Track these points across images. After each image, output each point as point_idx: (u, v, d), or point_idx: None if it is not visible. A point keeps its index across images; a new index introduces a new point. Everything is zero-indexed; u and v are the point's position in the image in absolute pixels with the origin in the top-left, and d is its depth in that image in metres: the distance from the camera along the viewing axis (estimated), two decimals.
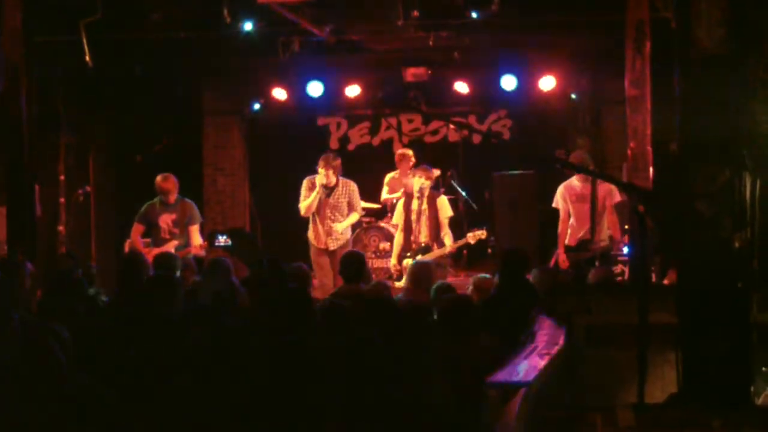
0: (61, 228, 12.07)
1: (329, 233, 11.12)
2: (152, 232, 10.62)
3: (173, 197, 10.65)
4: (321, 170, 10.96)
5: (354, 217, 11.33)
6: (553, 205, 10.81)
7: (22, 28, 9.99)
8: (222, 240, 6.12)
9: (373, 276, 10.54)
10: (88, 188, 12.59)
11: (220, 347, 5.34)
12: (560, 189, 10.68)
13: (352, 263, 8.21)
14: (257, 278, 6.45)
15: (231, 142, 14.93)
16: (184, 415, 4.90)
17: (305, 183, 11.20)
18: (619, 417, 2.72)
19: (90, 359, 5.20)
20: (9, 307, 5.61)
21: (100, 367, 5.17)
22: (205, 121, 14.82)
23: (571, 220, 10.52)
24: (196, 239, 10.53)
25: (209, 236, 6.41)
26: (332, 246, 11.09)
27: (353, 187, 11.28)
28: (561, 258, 10.46)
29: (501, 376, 2.90)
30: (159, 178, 10.68)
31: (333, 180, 11.03)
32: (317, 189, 10.98)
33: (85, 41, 10.77)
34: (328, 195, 11.10)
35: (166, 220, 10.58)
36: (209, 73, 13.94)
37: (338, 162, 11.10)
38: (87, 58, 10.85)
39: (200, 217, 10.87)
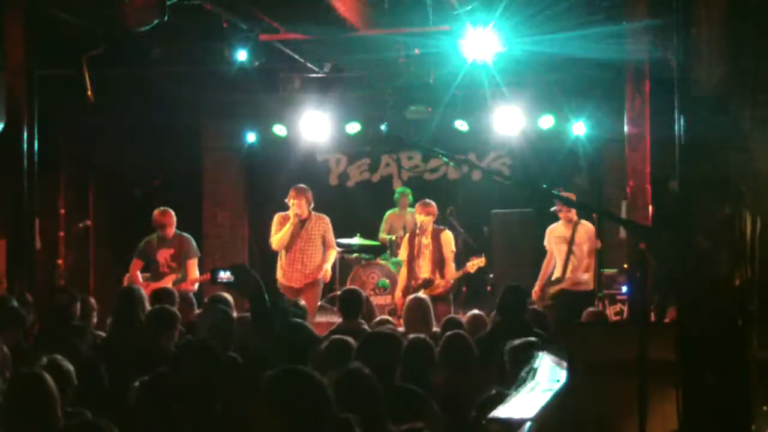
0: (60, 261, 12.07)
1: (300, 269, 10.71)
2: (151, 267, 10.63)
3: (170, 231, 10.64)
4: (293, 201, 10.64)
5: (332, 255, 10.97)
6: (545, 244, 11.18)
7: (25, 62, 10.05)
8: (224, 276, 6.12)
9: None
10: (88, 222, 12.61)
11: (216, 381, 5.32)
12: (548, 230, 11.18)
13: (351, 299, 8.18)
14: (258, 313, 6.44)
15: (230, 177, 14.98)
16: None
17: (276, 218, 10.90)
18: None
19: (87, 393, 5.19)
20: None
21: (97, 401, 5.16)
22: (204, 155, 14.87)
23: (555, 260, 11.01)
24: (194, 273, 10.54)
25: (211, 272, 6.39)
26: (298, 284, 10.67)
27: (327, 221, 10.90)
28: (535, 291, 10.82)
29: (503, 412, 2.90)
30: (156, 212, 10.69)
31: (305, 212, 10.69)
32: (291, 221, 10.62)
33: (87, 76, 10.80)
34: (301, 227, 10.73)
35: (164, 255, 10.58)
36: (209, 108, 13.99)
37: (310, 194, 10.78)
38: (89, 93, 10.89)
39: (197, 251, 10.83)
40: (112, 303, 7.22)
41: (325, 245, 10.84)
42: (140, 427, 5.04)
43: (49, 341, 6.62)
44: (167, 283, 10.18)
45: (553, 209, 11.13)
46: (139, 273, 10.65)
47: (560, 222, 11.03)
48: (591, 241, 10.90)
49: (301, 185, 10.89)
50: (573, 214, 10.86)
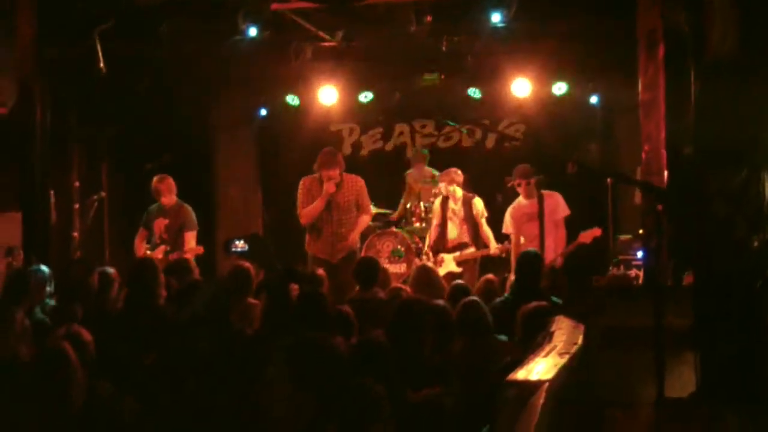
0: (75, 234, 12.10)
1: (334, 242, 9.98)
2: (149, 236, 10.58)
3: (168, 200, 10.49)
4: (327, 174, 9.82)
5: (363, 222, 10.22)
6: (503, 230, 10.85)
7: (35, 39, 10.06)
8: (239, 245, 6.07)
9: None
10: (102, 194, 12.61)
11: (230, 351, 5.34)
12: (509, 211, 10.73)
13: (367, 269, 8.18)
14: (272, 282, 6.46)
15: (243, 148, 14.95)
16: (196, 420, 4.91)
17: (302, 185, 10.12)
18: (640, 412, 2.73)
19: (106, 365, 5.21)
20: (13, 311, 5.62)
21: (115, 373, 5.18)
22: (216, 129, 14.85)
23: (522, 240, 10.50)
24: (191, 245, 10.37)
25: (226, 242, 6.34)
26: (335, 259, 9.90)
27: (361, 183, 10.12)
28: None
29: (521, 374, 2.91)
30: (155, 179, 10.60)
31: (338, 178, 9.90)
32: (322, 196, 9.82)
33: (99, 48, 10.79)
34: (336, 194, 9.95)
35: (159, 225, 10.49)
36: (221, 81, 13.96)
37: (341, 157, 10.07)
38: (101, 64, 10.87)
39: (196, 224, 10.58)
40: (126, 275, 7.23)
41: (359, 209, 10.09)
42: (156, 398, 5.06)
43: (67, 313, 6.65)
44: (158, 254, 10.12)
45: (511, 184, 10.81)
46: (143, 242, 10.62)
47: (520, 198, 10.60)
48: (559, 210, 10.46)
49: (329, 150, 10.13)
50: (533, 186, 10.40)
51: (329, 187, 9.82)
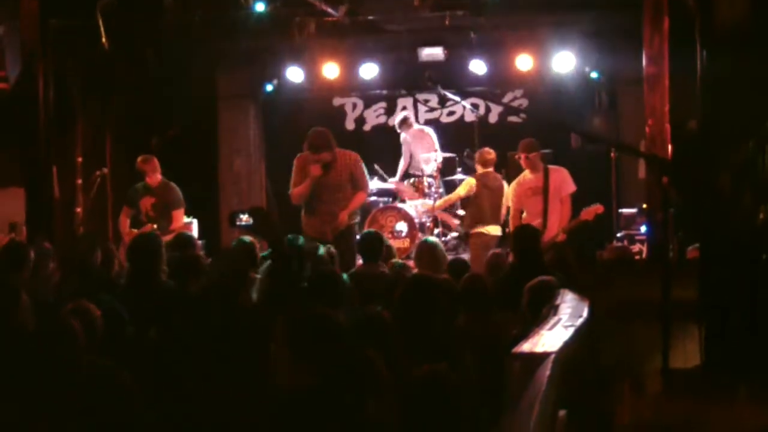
0: (78, 210, 12.10)
1: (327, 221, 9.57)
2: (135, 215, 10.58)
3: (154, 179, 10.49)
4: (314, 157, 9.45)
5: (359, 199, 9.82)
6: (504, 203, 10.77)
7: (39, 12, 10.03)
8: (244, 219, 6.06)
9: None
10: (105, 170, 12.61)
11: (235, 326, 5.34)
12: (512, 185, 10.55)
13: (370, 242, 8.16)
14: (276, 255, 6.45)
15: (246, 124, 14.93)
16: (203, 396, 4.91)
17: (296, 164, 9.75)
18: (647, 383, 2.73)
19: (110, 341, 5.21)
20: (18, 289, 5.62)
21: (119, 349, 5.18)
22: (220, 103, 14.83)
23: (524, 215, 10.34)
24: (178, 223, 10.41)
25: (230, 216, 6.32)
26: (328, 236, 9.35)
27: (355, 157, 9.73)
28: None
29: (526, 347, 2.91)
30: (139, 159, 10.60)
31: (327, 158, 9.49)
32: (309, 180, 9.47)
33: (101, 23, 10.77)
34: (326, 173, 9.54)
35: (146, 204, 10.49)
36: (224, 55, 13.93)
37: (329, 137, 9.63)
38: (103, 40, 10.85)
39: (183, 201, 10.57)
40: (128, 250, 7.22)
41: (354, 187, 9.69)
42: (161, 374, 5.07)
43: (71, 288, 6.65)
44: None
45: (517, 157, 10.72)
46: (128, 220, 10.62)
47: (526, 172, 10.37)
48: (566, 186, 10.24)
49: (317, 132, 9.68)
50: (538, 159, 10.29)
51: (314, 170, 9.48)
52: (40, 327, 4.89)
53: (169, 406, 4.85)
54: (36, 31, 10.00)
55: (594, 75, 13.73)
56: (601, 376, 2.61)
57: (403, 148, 13.80)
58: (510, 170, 11.86)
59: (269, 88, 14.71)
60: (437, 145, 13.38)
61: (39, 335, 4.70)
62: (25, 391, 4.37)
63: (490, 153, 11.28)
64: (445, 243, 11.93)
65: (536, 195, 10.21)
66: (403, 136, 13.76)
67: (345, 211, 9.58)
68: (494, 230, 10.92)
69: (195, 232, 10.91)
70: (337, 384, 4.04)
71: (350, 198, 9.65)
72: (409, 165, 13.79)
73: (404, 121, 13.68)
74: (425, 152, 13.19)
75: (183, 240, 8.36)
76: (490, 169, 11.16)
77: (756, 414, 2.63)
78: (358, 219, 10.06)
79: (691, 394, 2.76)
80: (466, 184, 11.24)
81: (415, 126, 13.73)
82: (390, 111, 15.12)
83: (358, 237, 9.35)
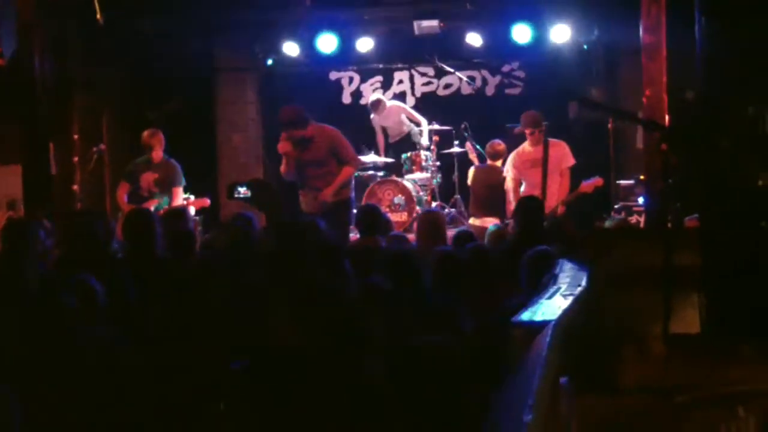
0: (75, 187, 12.08)
1: (314, 197, 9.57)
2: (133, 190, 10.60)
3: (158, 155, 10.55)
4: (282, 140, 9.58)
5: (346, 173, 9.68)
6: (504, 174, 10.76)
7: None
8: (242, 191, 6.04)
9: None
10: (102, 147, 12.59)
11: (236, 298, 5.36)
12: (512, 156, 10.62)
13: (368, 216, 8.17)
14: (275, 227, 6.46)
15: (244, 98, 14.90)
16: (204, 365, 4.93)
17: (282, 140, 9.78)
18: (651, 347, 2.73)
19: (114, 314, 5.23)
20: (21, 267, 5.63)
21: (124, 322, 5.20)
22: (216, 77, 14.79)
23: (523, 186, 10.44)
24: (177, 200, 10.45)
25: (229, 188, 6.29)
26: (317, 211, 9.30)
27: (332, 133, 9.66)
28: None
29: (525, 315, 2.92)
30: (146, 133, 10.63)
31: (302, 133, 9.51)
32: (287, 159, 9.60)
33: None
34: (304, 149, 9.58)
35: (148, 179, 10.52)
36: (221, 28, 13.88)
37: (301, 113, 9.56)
38: (98, 16, 10.80)
39: (183, 180, 10.61)
40: (123, 225, 7.23)
41: (339, 162, 9.64)
42: (163, 346, 5.08)
43: (71, 264, 6.65)
44: (149, 207, 10.12)
45: (518, 130, 10.76)
46: (125, 196, 10.62)
47: (525, 144, 10.51)
48: (566, 159, 10.40)
49: (287, 109, 9.71)
50: (539, 134, 10.36)
51: (280, 147, 9.60)
52: (41, 300, 4.91)
53: (168, 375, 4.87)
54: (32, 4, 9.93)
55: (593, 45, 13.69)
56: (604, 342, 2.61)
57: (376, 128, 13.92)
58: (508, 143, 11.86)
59: (269, 62, 14.68)
60: (418, 115, 13.53)
61: (41, 308, 4.73)
62: (30, 365, 4.39)
63: (500, 145, 11.34)
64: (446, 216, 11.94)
65: (535, 167, 10.31)
66: (372, 115, 13.83)
67: (330, 187, 9.54)
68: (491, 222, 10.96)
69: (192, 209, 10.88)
70: (334, 344, 4.07)
71: (336, 173, 9.61)
72: (385, 138, 13.97)
73: (378, 103, 13.75)
74: (396, 125, 13.32)
75: (176, 213, 8.36)
76: (498, 162, 11.26)
77: (758, 374, 2.64)
78: (352, 194, 9.99)
79: (694, 356, 2.76)
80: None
81: (388, 104, 13.81)
82: (387, 84, 15.10)
83: (354, 211, 9.36)
